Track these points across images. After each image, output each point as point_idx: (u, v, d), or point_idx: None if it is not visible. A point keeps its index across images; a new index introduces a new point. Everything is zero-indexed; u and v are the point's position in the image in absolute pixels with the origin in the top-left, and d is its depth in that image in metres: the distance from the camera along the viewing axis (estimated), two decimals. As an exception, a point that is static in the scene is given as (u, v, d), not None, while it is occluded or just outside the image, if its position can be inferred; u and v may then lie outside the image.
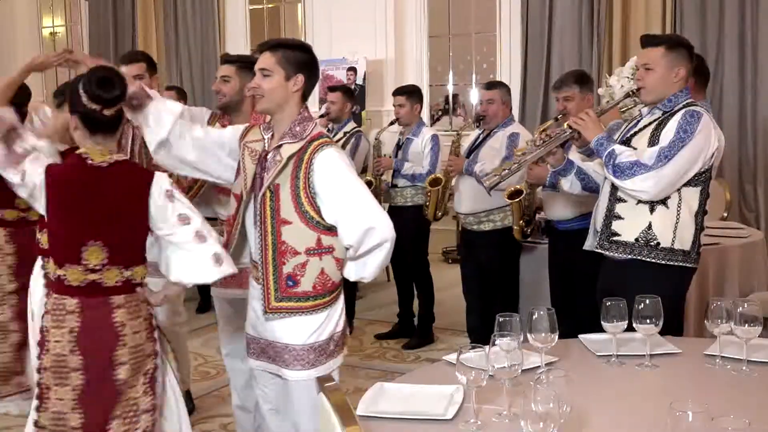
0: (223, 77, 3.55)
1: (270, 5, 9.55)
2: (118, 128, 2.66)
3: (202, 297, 6.18)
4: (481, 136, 4.83)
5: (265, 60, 2.71)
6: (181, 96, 6.97)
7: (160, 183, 2.64)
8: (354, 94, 6.45)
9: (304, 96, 2.76)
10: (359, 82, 8.43)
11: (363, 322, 6.06)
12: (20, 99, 3.60)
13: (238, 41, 9.38)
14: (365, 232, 2.65)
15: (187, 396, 4.37)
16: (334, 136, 5.73)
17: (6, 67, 9.67)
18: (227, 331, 3.62)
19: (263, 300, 2.71)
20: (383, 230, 2.66)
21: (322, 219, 2.68)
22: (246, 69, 3.33)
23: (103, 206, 2.58)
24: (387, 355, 5.36)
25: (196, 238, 2.63)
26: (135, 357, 2.61)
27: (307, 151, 2.67)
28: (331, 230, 2.69)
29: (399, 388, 2.26)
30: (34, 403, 2.61)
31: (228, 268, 2.68)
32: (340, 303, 2.82)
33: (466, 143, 5.02)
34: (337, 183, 2.68)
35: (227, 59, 3.72)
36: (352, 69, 8.46)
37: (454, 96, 9.16)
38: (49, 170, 2.59)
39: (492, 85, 4.91)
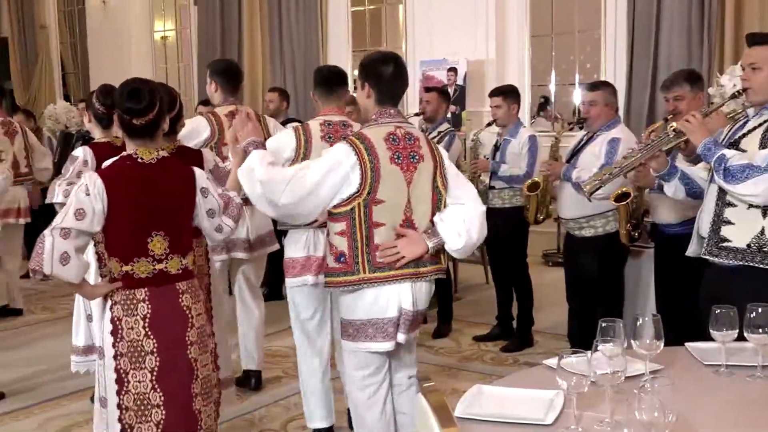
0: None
1: (371, 7, 9.64)
2: (155, 134, 2.81)
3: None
4: (584, 139, 4.73)
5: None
6: (284, 97, 7.14)
7: (200, 178, 2.88)
8: (449, 95, 6.46)
9: None
10: (459, 82, 8.42)
11: (461, 323, 6.04)
12: None
13: (340, 43, 9.51)
14: None
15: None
16: (428, 136, 5.73)
17: (121, 69, 10.11)
18: None
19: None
20: None
21: None
22: None
23: (159, 198, 2.77)
24: (485, 358, 5.33)
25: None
26: (200, 337, 2.83)
27: None
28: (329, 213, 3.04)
29: (497, 391, 2.24)
30: (114, 387, 2.76)
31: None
32: None
33: (568, 145, 4.92)
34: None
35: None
36: (453, 69, 8.45)
37: (545, 97, 9.02)
38: (102, 174, 2.75)
39: (595, 86, 4.76)
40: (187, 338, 2.78)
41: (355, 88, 3.14)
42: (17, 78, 11.94)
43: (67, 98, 11.06)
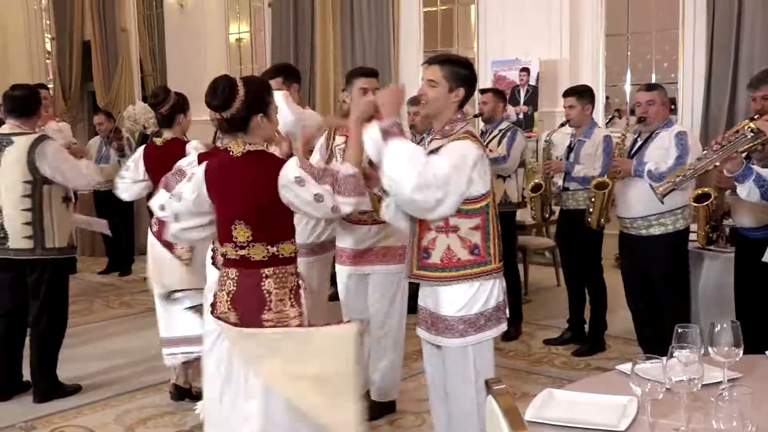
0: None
1: (443, 7, 9.62)
2: (244, 128, 2.89)
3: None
4: (640, 140, 4.67)
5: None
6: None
7: (288, 171, 2.83)
8: (505, 95, 6.41)
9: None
10: (532, 82, 8.33)
11: (531, 327, 5.99)
12: None
13: (411, 43, 9.51)
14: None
15: None
16: (489, 135, 5.73)
17: (197, 70, 10.34)
18: None
19: (408, 268, 3.21)
20: None
21: None
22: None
23: (240, 190, 2.89)
24: (556, 362, 5.27)
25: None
26: (280, 320, 2.90)
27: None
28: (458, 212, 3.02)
29: (569, 396, 2.22)
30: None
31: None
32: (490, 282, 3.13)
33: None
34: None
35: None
36: (525, 70, 8.36)
37: (607, 98, 8.85)
38: (207, 164, 3.01)
39: (652, 86, 4.78)
40: (263, 318, 2.87)
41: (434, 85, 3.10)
42: (98, 80, 12.30)
43: (145, 99, 11.34)
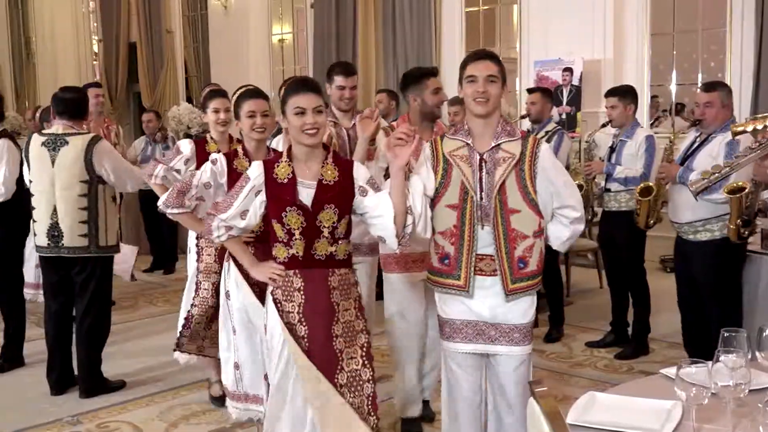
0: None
1: (485, 7, 9.57)
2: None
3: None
4: (698, 141, 4.56)
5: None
6: (393, 98, 7.19)
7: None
8: (552, 94, 6.36)
9: None
10: (575, 82, 8.25)
11: (573, 329, 5.93)
12: None
13: (453, 44, 9.48)
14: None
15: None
16: (536, 136, 5.67)
17: (240, 71, 10.44)
18: None
19: (503, 286, 3.00)
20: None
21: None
22: None
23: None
24: (598, 364, 5.21)
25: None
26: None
27: (527, 146, 2.98)
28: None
29: (612, 399, 2.19)
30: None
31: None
32: None
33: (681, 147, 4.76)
34: (558, 170, 3.07)
35: None
36: (568, 69, 8.29)
37: (653, 97, 8.71)
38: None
39: (711, 86, 4.59)
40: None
41: (501, 82, 3.03)
42: (144, 81, 12.49)
43: (189, 100, 11.49)
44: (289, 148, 3.00)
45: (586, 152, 5.57)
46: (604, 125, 5.59)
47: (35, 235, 4.72)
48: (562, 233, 3.09)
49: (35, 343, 5.35)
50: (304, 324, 2.93)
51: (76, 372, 4.84)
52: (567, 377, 4.93)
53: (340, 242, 2.96)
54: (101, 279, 4.77)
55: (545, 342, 5.61)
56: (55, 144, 4.59)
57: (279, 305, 2.97)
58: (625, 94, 5.40)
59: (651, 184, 4.86)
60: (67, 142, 4.58)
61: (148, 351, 5.65)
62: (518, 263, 2.98)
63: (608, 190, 5.34)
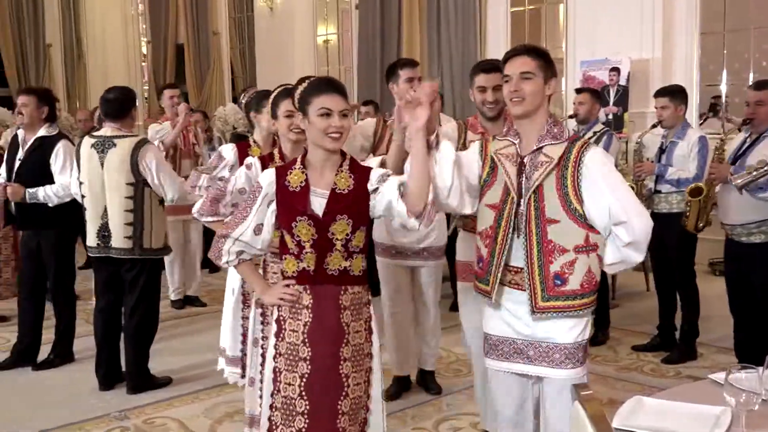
0: None
1: (531, 7, 9.52)
2: None
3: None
4: (748, 141, 4.46)
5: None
6: (437, 98, 7.16)
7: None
8: (600, 95, 6.29)
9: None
10: (622, 83, 8.15)
11: (619, 332, 5.86)
12: None
13: (498, 44, 9.44)
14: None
15: (430, 377, 4.70)
16: (582, 137, 5.60)
17: (285, 72, 10.51)
18: None
19: (530, 302, 2.73)
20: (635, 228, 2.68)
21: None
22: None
23: None
24: (644, 368, 5.14)
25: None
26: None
27: (572, 151, 2.70)
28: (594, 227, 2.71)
29: (658, 404, 2.16)
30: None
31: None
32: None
33: (731, 148, 4.66)
34: (611, 179, 2.71)
35: None
36: (615, 69, 8.19)
37: (716, 97, 8.54)
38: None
39: (762, 85, 4.50)
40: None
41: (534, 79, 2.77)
42: (191, 81, 12.68)
43: (235, 101, 11.62)
44: (304, 154, 2.76)
45: (635, 153, 5.50)
46: (654, 125, 5.51)
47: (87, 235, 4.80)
48: (609, 255, 2.76)
49: (84, 339, 5.46)
50: (307, 345, 2.70)
51: (123, 368, 4.92)
52: (612, 381, 4.87)
53: (354, 256, 2.72)
54: (150, 277, 4.84)
55: (590, 345, 5.53)
56: (103, 146, 4.66)
57: (282, 324, 2.75)
58: (676, 94, 5.31)
59: (701, 184, 4.78)
60: (114, 144, 4.66)
61: (195, 348, 5.71)
62: (554, 279, 2.69)
63: (658, 192, 5.26)
